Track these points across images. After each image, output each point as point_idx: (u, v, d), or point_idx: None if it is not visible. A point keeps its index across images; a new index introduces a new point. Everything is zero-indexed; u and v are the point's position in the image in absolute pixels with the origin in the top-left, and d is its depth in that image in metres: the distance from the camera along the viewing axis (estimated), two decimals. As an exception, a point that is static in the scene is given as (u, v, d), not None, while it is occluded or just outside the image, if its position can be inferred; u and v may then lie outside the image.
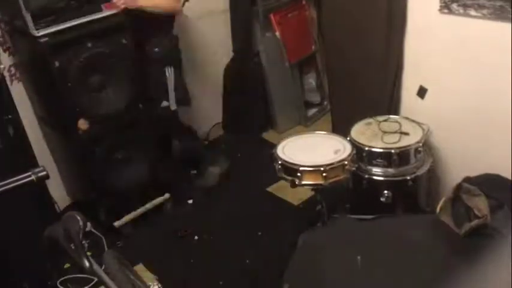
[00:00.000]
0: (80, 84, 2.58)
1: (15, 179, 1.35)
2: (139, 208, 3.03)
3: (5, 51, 2.75)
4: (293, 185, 2.32)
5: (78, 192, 3.15)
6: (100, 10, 2.57)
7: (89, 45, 2.57)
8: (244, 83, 3.74)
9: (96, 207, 2.90)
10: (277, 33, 3.65)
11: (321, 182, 2.26)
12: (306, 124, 3.99)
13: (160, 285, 2.13)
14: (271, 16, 3.63)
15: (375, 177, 2.42)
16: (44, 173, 1.36)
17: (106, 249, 2.67)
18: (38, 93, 2.85)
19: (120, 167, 2.88)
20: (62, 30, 2.47)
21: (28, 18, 2.37)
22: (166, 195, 3.14)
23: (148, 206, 3.06)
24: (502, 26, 2.13)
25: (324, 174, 2.23)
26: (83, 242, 1.23)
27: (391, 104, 2.73)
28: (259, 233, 2.85)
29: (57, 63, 2.48)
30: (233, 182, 3.38)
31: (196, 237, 2.89)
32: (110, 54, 2.65)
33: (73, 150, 2.81)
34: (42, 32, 2.41)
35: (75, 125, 2.64)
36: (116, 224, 2.93)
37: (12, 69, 2.80)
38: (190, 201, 3.21)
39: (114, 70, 2.69)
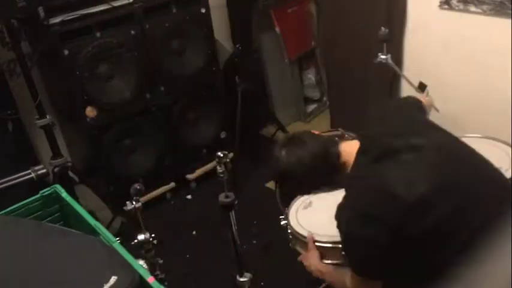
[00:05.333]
0: (88, 73, 2.64)
1: (14, 176, 1.35)
2: (144, 196, 3.04)
3: (4, 46, 2.74)
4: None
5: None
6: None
7: (98, 35, 2.62)
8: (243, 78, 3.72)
9: (103, 193, 2.94)
10: (277, 29, 3.63)
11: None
12: (306, 120, 3.99)
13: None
14: (271, 12, 3.61)
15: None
16: (44, 170, 1.37)
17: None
18: (49, 81, 2.91)
19: (127, 154, 2.96)
20: (72, 20, 2.52)
21: (39, 6, 2.40)
22: (172, 184, 3.19)
23: (153, 194, 3.10)
24: (502, 22, 2.13)
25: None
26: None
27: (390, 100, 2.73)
28: (258, 228, 2.86)
29: (66, 52, 2.54)
30: (232, 178, 3.36)
31: (194, 232, 2.91)
32: (118, 45, 2.70)
33: (82, 137, 2.87)
34: (52, 21, 2.45)
35: (83, 113, 2.68)
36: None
37: (12, 64, 2.79)
38: (189, 197, 3.22)
39: (122, 60, 2.75)
